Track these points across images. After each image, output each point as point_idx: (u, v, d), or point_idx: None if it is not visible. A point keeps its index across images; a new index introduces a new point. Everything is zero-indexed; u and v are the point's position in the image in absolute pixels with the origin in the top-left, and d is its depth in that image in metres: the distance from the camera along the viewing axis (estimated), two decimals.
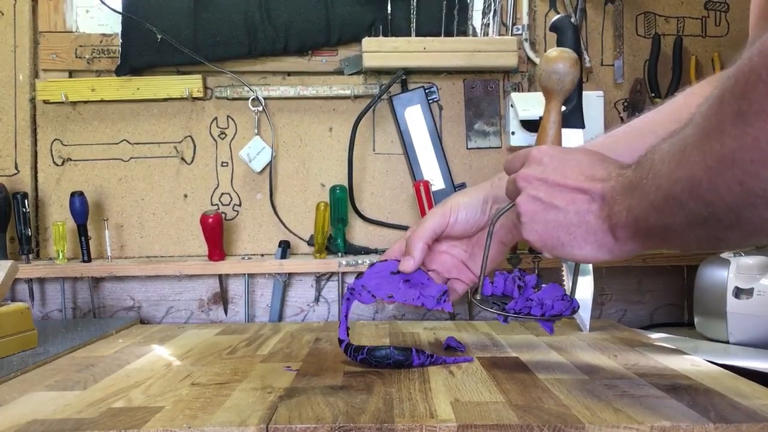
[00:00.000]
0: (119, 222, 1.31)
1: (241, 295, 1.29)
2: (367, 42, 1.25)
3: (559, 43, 1.09)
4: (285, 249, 1.26)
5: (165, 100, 1.30)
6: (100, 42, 1.30)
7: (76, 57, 1.30)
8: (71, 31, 1.31)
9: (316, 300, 1.30)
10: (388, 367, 0.82)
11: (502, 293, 0.84)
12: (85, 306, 1.29)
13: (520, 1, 1.31)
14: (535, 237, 0.67)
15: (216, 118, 1.32)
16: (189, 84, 1.28)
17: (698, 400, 0.67)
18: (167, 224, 1.32)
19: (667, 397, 0.69)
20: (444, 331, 1.07)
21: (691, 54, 1.32)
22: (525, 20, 1.31)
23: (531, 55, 1.30)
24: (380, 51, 1.25)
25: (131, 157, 1.31)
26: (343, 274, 1.26)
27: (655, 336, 1.07)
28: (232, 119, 1.32)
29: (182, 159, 1.32)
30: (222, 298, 1.29)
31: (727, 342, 1.03)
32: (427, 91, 1.30)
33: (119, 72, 1.27)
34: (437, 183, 1.28)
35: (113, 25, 1.32)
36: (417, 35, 1.27)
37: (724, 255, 1.07)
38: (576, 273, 0.81)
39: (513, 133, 1.26)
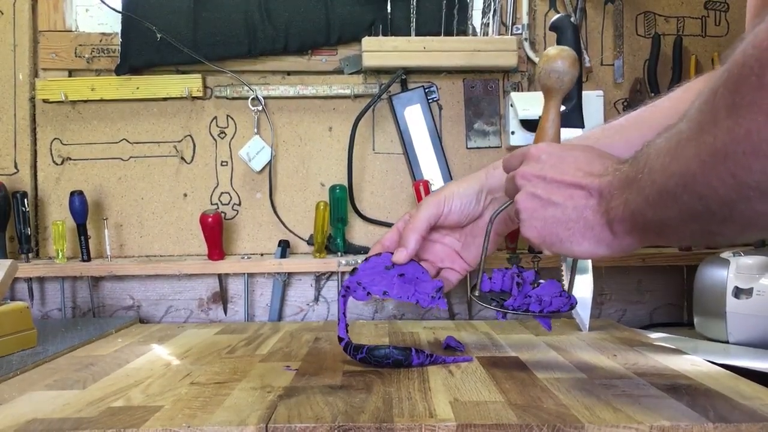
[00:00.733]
0: (119, 221, 1.31)
1: (241, 294, 1.29)
2: (367, 41, 1.25)
3: (559, 43, 1.09)
4: (284, 248, 1.26)
5: (165, 99, 1.30)
6: (100, 41, 1.30)
7: (76, 56, 1.30)
8: (71, 31, 1.31)
9: (316, 299, 1.30)
10: (388, 366, 0.82)
11: (501, 290, 0.84)
12: (85, 305, 1.29)
13: (520, 1, 1.31)
14: (534, 234, 0.67)
15: (216, 118, 1.32)
16: (189, 83, 1.28)
17: (697, 400, 0.67)
18: (167, 223, 1.32)
19: (666, 396, 0.69)
20: (443, 331, 1.07)
21: (691, 54, 1.32)
22: (525, 20, 1.31)
23: (531, 54, 1.30)
24: (380, 50, 1.25)
25: (131, 157, 1.31)
26: (343, 273, 1.26)
27: (655, 336, 1.07)
28: (232, 118, 1.32)
29: (182, 158, 1.32)
30: (221, 297, 1.29)
31: (727, 342, 1.03)
32: (426, 90, 1.30)
33: (119, 71, 1.27)
34: (437, 182, 1.28)
35: (113, 24, 1.32)
36: (417, 35, 1.27)
37: (724, 255, 1.07)
38: (574, 269, 0.81)
39: (513, 132, 1.26)
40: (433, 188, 1.25)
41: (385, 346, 0.82)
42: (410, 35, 1.27)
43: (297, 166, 1.32)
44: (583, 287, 1.06)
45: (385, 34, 1.27)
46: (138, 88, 1.28)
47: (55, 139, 1.31)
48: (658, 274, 1.29)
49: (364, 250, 1.29)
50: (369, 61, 1.25)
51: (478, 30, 1.31)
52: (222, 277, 1.29)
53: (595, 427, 0.60)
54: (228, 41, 1.26)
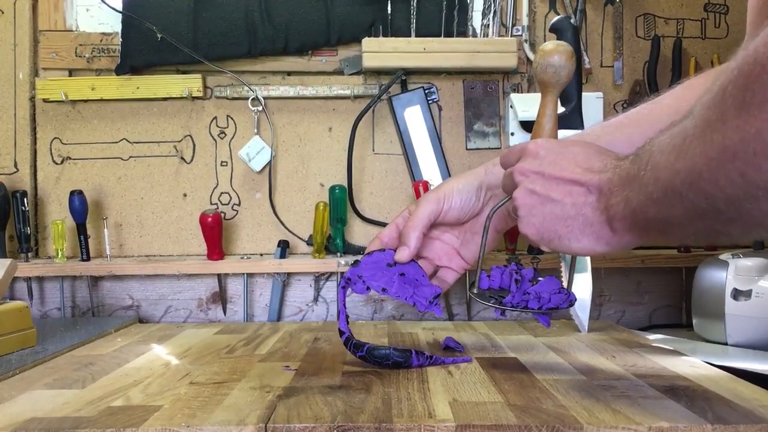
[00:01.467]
0: (118, 221, 1.31)
1: (240, 294, 1.29)
2: (367, 42, 1.25)
3: None
4: (284, 249, 1.26)
5: (165, 99, 1.30)
6: (100, 41, 1.30)
7: (76, 56, 1.30)
8: (71, 30, 1.32)
9: (315, 300, 1.30)
10: (387, 367, 0.82)
11: (499, 287, 0.83)
12: (84, 305, 1.29)
13: (520, 2, 1.31)
14: (533, 230, 0.67)
15: (216, 118, 1.32)
16: (189, 83, 1.28)
17: (696, 402, 0.67)
18: (166, 223, 1.32)
19: (665, 398, 0.69)
20: (443, 332, 1.07)
21: (690, 56, 1.32)
22: (525, 21, 1.31)
23: (530, 56, 1.30)
24: (380, 51, 1.25)
25: (131, 156, 1.32)
26: (342, 273, 1.26)
27: (654, 337, 1.07)
28: (232, 119, 1.32)
29: (182, 158, 1.32)
30: (221, 297, 1.29)
31: (726, 343, 1.03)
32: (426, 91, 1.30)
33: (119, 71, 1.28)
34: (436, 183, 1.28)
35: (113, 24, 1.32)
36: (417, 36, 1.27)
37: (723, 257, 1.07)
38: (573, 265, 0.81)
39: (512, 133, 1.26)
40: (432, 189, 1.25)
41: (386, 347, 0.82)
42: (410, 36, 1.27)
43: (297, 166, 1.32)
44: (583, 288, 1.06)
45: (385, 35, 1.27)
46: (138, 87, 1.28)
47: (55, 138, 1.31)
48: (658, 275, 1.30)
49: (363, 250, 1.28)
50: (369, 61, 1.25)
51: (478, 31, 1.31)
52: (221, 277, 1.29)
53: (593, 428, 0.60)
54: (228, 41, 1.26)
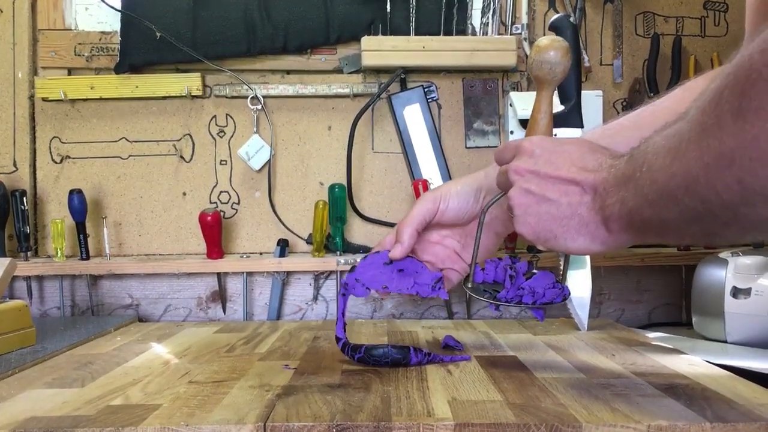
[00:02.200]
0: (118, 220, 1.31)
1: (240, 293, 1.29)
2: (367, 41, 1.25)
3: None
4: (283, 247, 1.26)
5: (164, 98, 1.30)
6: (100, 40, 1.30)
7: (75, 55, 1.30)
8: (70, 29, 1.31)
9: (315, 298, 1.30)
10: (386, 366, 0.82)
11: (494, 281, 0.83)
12: (84, 304, 1.29)
13: (520, 1, 1.31)
14: (528, 230, 0.67)
15: (215, 117, 1.32)
16: (188, 82, 1.28)
17: (695, 400, 0.67)
18: (166, 222, 1.32)
19: (664, 396, 0.69)
20: (442, 330, 1.07)
21: (690, 54, 1.32)
22: (524, 19, 1.31)
23: None
24: (379, 50, 1.25)
25: (130, 155, 1.31)
26: (342, 272, 1.26)
27: (653, 335, 1.07)
28: (231, 117, 1.32)
29: (181, 157, 1.32)
30: (220, 296, 1.29)
31: (725, 342, 1.03)
32: (426, 90, 1.30)
33: (118, 70, 1.27)
34: (436, 182, 1.28)
35: (112, 22, 1.32)
36: (416, 34, 1.27)
37: (722, 255, 1.07)
38: (567, 259, 0.81)
39: (512, 132, 1.26)
40: (432, 188, 1.25)
41: (383, 346, 0.82)
42: (410, 35, 1.27)
43: (296, 165, 1.32)
44: (582, 286, 1.06)
45: (384, 34, 1.27)
46: (137, 86, 1.28)
47: (54, 137, 1.31)
48: (657, 273, 1.30)
49: (363, 249, 1.29)
50: (368, 60, 1.25)
51: (477, 29, 1.31)
52: (221, 276, 1.29)
53: (592, 426, 0.60)
54: (227, 40, 1.26)
